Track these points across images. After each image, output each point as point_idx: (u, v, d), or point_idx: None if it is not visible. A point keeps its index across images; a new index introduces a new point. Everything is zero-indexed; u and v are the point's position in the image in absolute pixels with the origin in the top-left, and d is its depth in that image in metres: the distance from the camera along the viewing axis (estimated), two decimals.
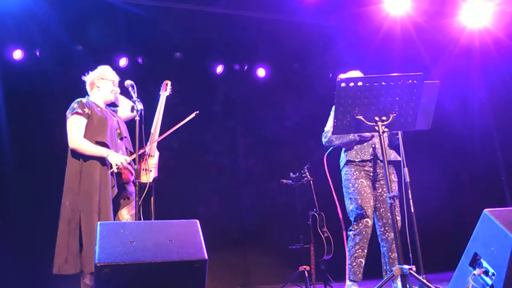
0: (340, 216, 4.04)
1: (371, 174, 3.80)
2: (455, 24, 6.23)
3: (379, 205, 3.78)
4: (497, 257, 2.44)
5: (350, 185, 3.78)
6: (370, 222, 3.69)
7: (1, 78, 5.52)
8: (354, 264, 3.68)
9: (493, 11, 6.02)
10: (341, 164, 3.93)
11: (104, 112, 3.43)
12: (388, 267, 3.72)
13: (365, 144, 3.81)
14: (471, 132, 7.12)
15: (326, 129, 3.96)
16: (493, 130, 6.96)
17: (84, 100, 3.39)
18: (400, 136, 3.55)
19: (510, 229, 2.41)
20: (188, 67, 6.29)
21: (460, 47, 6.42)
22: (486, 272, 2.50)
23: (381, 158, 3.77)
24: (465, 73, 6.87)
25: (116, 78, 3.61)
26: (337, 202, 3.93)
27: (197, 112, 3.40)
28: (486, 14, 6.07)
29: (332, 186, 3.95)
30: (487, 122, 7.00)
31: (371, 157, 3.79)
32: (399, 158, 3.79)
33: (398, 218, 3.75)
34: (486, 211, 2.59)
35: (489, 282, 2.47)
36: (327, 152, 4.03)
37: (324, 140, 3.93)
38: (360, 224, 3.68)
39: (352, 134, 3.72)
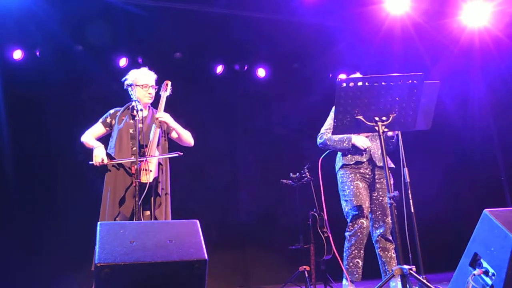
0: (326, 219, 4.30)
1: (367, 176, 3.81)
2: (455, 24, 6.23)
3: (375, 208, 3.80)
4: (497, 257, 2.44)
5: (346, 187, 3.80)
6: (365, 223, 3.69)
7: (1, 78, 5.52)
8: (351, 264, 3.69)
9: (493, 11, 6.02)
10: (337, 167, 3.94)
11: (128, 120, 3.49)
12: (386, 267, 3.73)
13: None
14: (471, 132, 7.12)
15: (322, 130, 3.97)
16: (493, 130, 6.95)
17: (112, 111, 3.62)
18: (399, 136, 3.54)
19: (510, 229, 2.41)
20: (188, 67, 6.28)
21: (460, 47, 6.42)
22: (486, 272, 2.50)
23: (376, 163, 3.80)
24: (465, 73, 6.87)
25: (149, 80, 3.58)
26: (324, 207, 3.97)
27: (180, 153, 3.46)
28: (486, 14, 6.07)
29: (322, 191, 3.98)
30: (487, 122, 6.99)
31: (366, 160, 3.81)
32: (393, 165, 3.87)
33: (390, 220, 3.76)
34: (486, 211, 2.59)
35: (489, 282, 2.47)
36: (322, 156, 4.03)
37: (319, 141, 3.95)
38: (356, 225, 3.69)
39: (346, 143, 3.76)
